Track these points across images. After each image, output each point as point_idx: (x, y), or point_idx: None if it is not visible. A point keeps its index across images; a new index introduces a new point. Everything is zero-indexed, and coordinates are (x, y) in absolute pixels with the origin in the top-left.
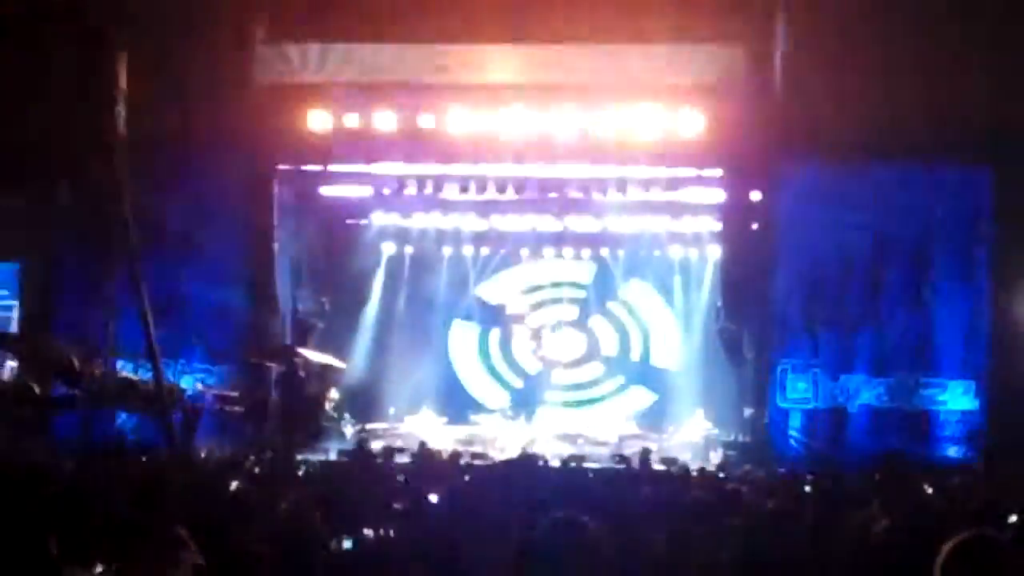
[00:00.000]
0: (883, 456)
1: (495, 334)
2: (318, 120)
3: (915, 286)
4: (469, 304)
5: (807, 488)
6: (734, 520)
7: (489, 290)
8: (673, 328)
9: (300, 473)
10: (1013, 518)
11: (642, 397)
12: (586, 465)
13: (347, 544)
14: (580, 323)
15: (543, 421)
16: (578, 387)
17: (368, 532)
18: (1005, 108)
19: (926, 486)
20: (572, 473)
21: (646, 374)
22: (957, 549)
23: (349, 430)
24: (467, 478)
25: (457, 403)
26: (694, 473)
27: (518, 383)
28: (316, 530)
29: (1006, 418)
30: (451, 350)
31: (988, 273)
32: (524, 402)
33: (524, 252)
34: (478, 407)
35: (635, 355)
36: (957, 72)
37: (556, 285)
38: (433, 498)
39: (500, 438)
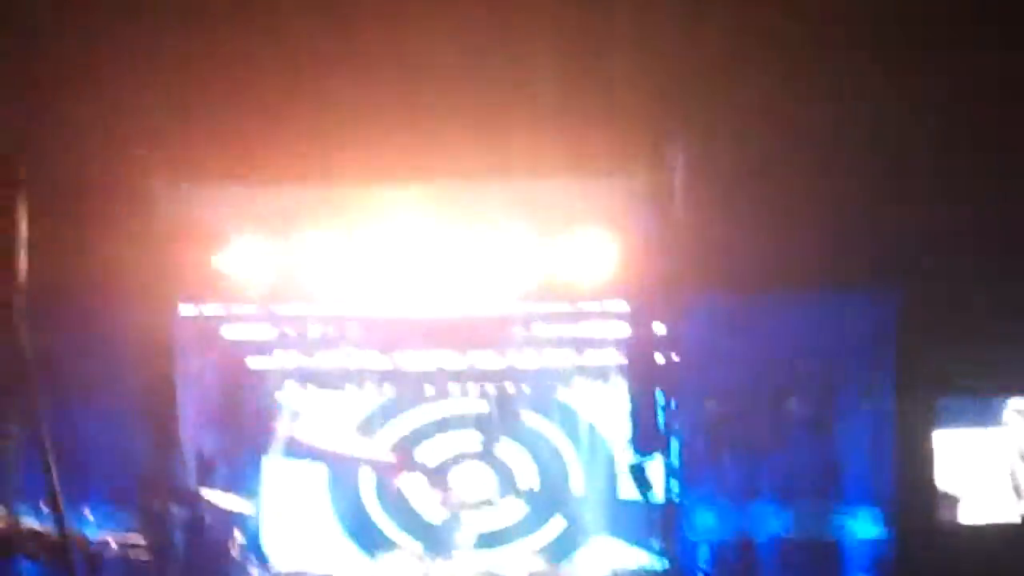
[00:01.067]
0: None
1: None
2: (220, 262)
3: (821, 412)
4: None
5: None
6: None
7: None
8: (576, 457)
9: None
10: None
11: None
12: None
13: None
14: (485, 454)
15: (454, 561)
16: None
17: None
18: (909, 235)
19: None
20: None
21: (560, 502)
22: None
23: (255, 573)
24: None
25: (367, 544)
26: None
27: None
28: None
29: (913, 545)
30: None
31: (892, 398)
32: (436, 549)
33: (429, 389)
34: (389, 547)
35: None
36: (859, 199)
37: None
38: None
39: None
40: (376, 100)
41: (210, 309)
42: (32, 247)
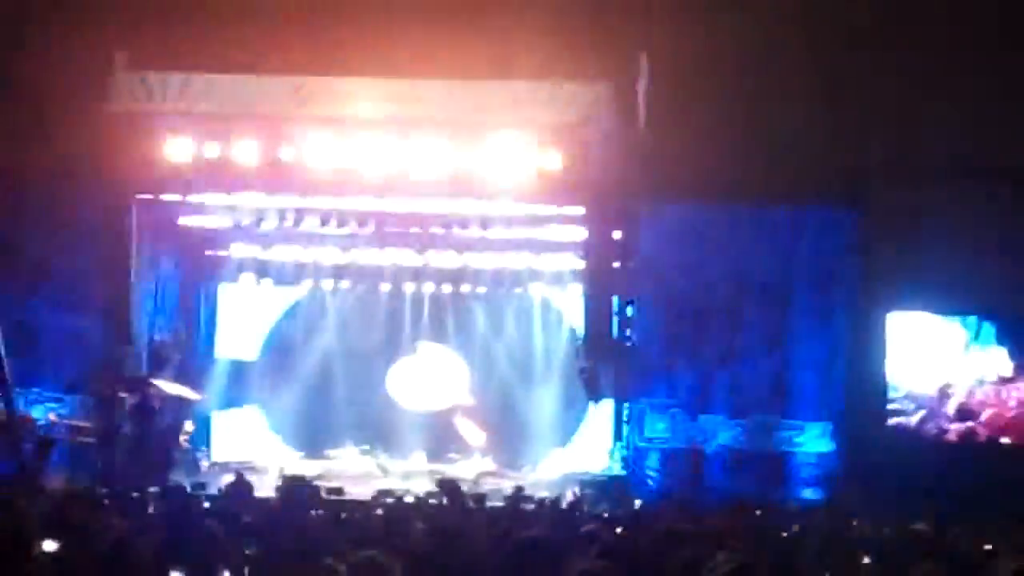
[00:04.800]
0: (737, 498)
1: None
2: (177, 149)
3: (774, 327)
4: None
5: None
6: (580, 560)
7: None
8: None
9: (150, 508)
10: (866, 560)
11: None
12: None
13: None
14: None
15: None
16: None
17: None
18: (867, 152)
19: (777, 528)
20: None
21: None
22: None
23: (205, 463)
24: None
25: (314, 437)
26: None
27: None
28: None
29: (860, 461)
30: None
31: (846, 315)
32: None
33: (384, 287)
34: (336, 442)
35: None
36: (821, 115)
37: None
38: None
39: (354, 474)
40: None
41: (168, 197)
42: None
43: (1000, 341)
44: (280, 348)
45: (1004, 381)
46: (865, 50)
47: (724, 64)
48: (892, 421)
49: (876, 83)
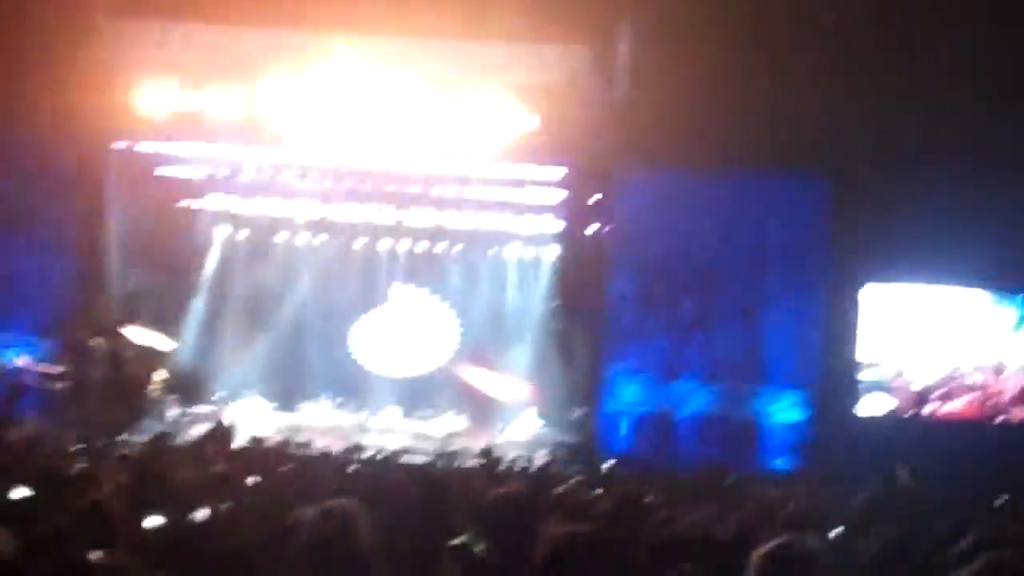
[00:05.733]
0: (709, 464)
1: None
2: (156, 99)
3: (749, 294)
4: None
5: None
6: (551, 521)
7: None
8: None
9: (118, 454)
10: (835, 532)
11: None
12: (411, 460)
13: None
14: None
15: (376, 414)
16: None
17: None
18: (843, 120)
19: (751, 495)
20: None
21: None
22: (767, 557)
23: (172, 412)
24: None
25: (286, 391)
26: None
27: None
28: (124, 511)
29: (832, 430)
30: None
31: (820, 284)
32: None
33: (359, 243)
34: (308, 396)
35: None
36: (798, 83)
37: None
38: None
39: (325, 429)
40: None
41: (145, 146)
42: None
43: None
44: (254, 300)
45: None
46: (847, 26)
47: (705, 32)
48: (869, 395)
49: (857, 57)
